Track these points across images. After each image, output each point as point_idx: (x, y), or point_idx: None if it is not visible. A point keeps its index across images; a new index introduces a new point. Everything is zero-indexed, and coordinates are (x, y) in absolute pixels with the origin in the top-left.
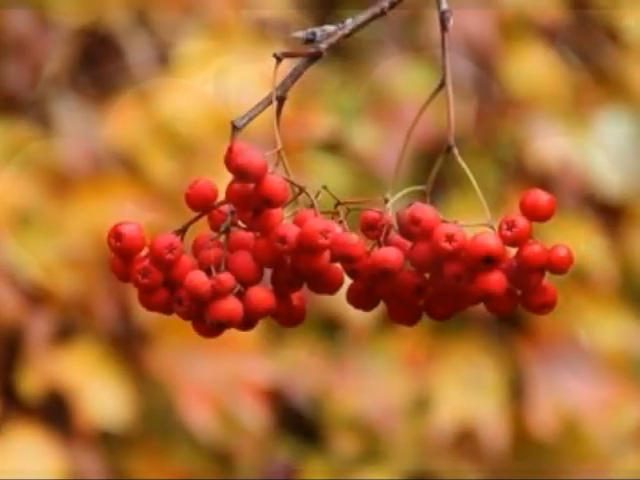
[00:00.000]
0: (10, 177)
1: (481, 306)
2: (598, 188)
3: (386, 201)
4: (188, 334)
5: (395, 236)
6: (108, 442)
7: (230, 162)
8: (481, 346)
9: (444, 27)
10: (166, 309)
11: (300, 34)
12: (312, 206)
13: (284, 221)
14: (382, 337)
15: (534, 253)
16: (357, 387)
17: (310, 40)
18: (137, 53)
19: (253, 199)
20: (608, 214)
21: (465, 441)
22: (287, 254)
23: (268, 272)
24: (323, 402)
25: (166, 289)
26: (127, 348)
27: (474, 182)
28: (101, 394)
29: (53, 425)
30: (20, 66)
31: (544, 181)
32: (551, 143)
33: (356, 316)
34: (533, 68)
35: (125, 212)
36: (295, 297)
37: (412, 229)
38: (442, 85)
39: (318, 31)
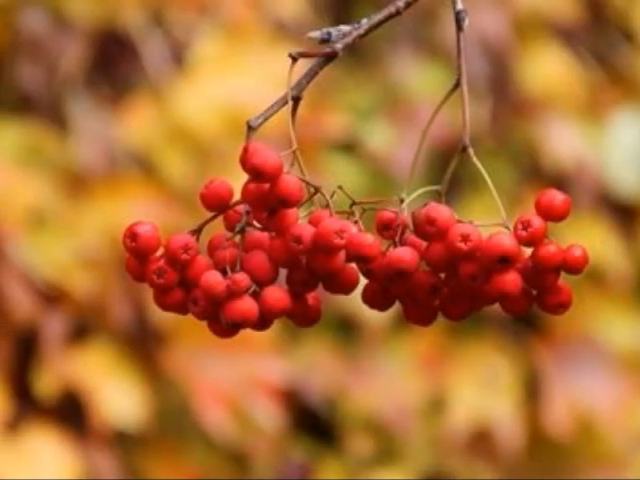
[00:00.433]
0: (25, 177)
1: (496, 306)
2: (613, 188)
3: (401, 201)
4: (203, 334)
5: (410, 236)
6: (123, 442)
7: (245, 162)
8: (496, 346)
9: (459, 27)
10: (181, 309)
11: (316, 34)
12: (327, 206)
13: (299, 221)
14: (397, 337)
15: (549, 253)
16: (372, 387)
17: (325, 40)
18: (152, 53)
19: (268, 199)
20: (623, 214)
21: (480, 441)
22: (302, 254)
23: (283, 272)
24: (338, 402)
25: (181, 289)
26: (142, 348)
27: (489, 182)
28: (116, 394)
29: (68, 425)
30: (35, 66)
31: (559, 181)
32: (566, 143)
33: (371, 316)
34: (548, 68)
35: (140, 212)
36: (310, 297)
37: (427, 229)
38: (457, 85)
39: (334, 31)
